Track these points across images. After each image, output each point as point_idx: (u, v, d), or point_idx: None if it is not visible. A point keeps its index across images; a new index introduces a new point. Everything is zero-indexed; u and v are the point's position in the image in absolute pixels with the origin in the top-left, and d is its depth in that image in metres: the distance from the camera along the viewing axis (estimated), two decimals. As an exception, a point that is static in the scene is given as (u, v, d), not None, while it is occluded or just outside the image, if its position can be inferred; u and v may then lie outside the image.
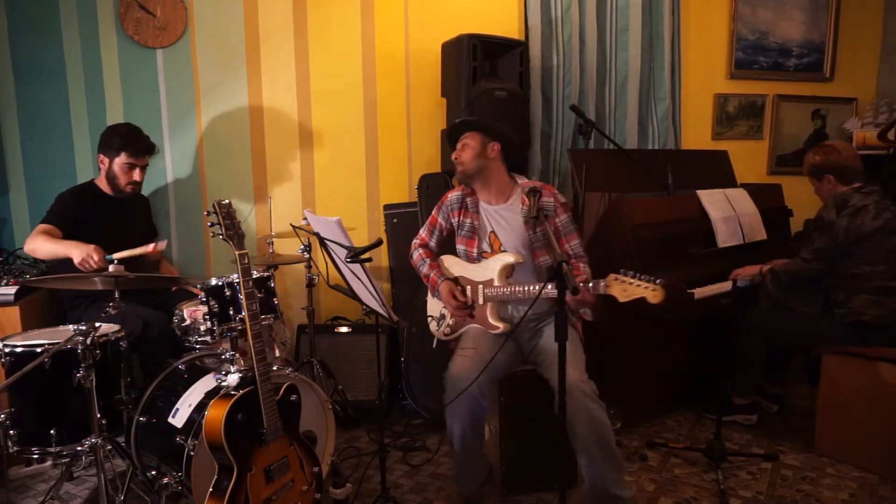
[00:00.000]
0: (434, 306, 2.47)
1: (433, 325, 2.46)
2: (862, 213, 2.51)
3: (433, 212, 2.52)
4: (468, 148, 2.32)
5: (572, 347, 2.14)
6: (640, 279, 1.83)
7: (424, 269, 2.45)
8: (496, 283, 2.24)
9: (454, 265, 2.42)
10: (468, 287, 2.32)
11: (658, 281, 1.81)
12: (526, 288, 2.16)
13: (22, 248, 2.66)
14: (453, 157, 2.35)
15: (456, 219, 2.43)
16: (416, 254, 2.52)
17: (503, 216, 2.34)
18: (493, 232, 2.35)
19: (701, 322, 3.02)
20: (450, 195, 2.47)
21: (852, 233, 2.50)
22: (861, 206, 2.52)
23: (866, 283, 2.52)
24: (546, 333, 2.26)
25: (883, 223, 2.50)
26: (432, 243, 2.53)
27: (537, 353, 2.25)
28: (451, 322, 2.37)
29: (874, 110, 4.02)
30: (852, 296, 2.55)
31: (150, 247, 2.37)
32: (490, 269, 2.27)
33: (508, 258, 2.24)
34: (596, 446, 1.98)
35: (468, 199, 2.40)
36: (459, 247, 2.42)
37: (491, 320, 2.26)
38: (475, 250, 2.36)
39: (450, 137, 2.42)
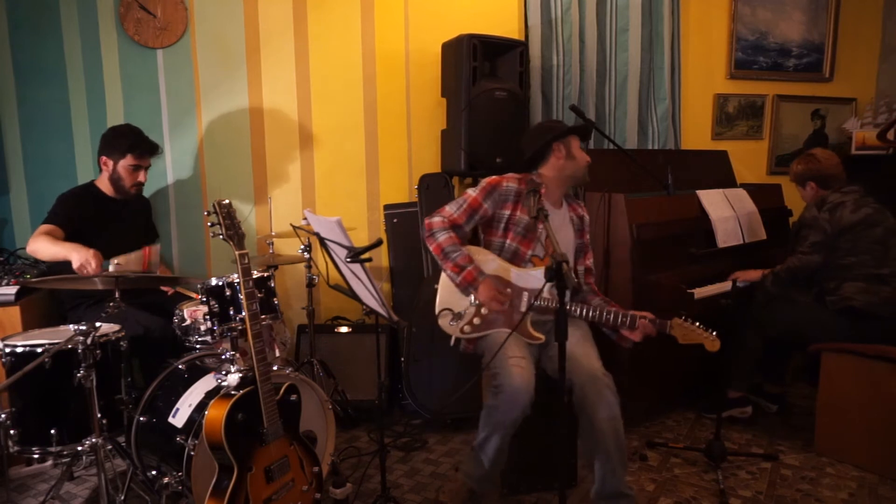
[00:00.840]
0: (456, 300, 2.24)
1: (447, 320, 2.24)
2: (840, 208, 2.66)
3: (474, 193, 2.25)
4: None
5: (589, 340, 2.21)
6: (700, 327, 2.08)
7: (458, 258, 2.17)
8: (545, 294, 2.18)
9: (487, 261, 2.23)
10: (507, 289, 2.22)
11: (714, 332, 2.05)
12: (578, 309, 2.17)
13: (23, 248, 2.67)
14: (587, 159, 2.30)
15: (508, 211, 2.24)
16: (445, 236, 2.20)
17: (555, 223, 2.28)
18: (549, 237, 2.26)
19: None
20: (506, 182, 2.24)
21: (834, 226, 2.65)
22: (839, 203, 2.68)
23: (854, 272, 2.64)
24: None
25: (863, 217, 2.64)
26: (467, 228, 2.26)
27: (553, 350, 2.20)
28: (475, 322, 2.22)
29: (873, 110, 4.03)
30: (842, 283, 2.66)
31: (144, 252, 2.40)
32: (540, 279, 2.14)
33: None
34: (613, 441, 2.00)
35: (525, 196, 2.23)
36: (509, 242, 2.26)
37: (532, 331, 2.19)
38: (529, 252, 2.25)
39: (551, 139, 2.29)
